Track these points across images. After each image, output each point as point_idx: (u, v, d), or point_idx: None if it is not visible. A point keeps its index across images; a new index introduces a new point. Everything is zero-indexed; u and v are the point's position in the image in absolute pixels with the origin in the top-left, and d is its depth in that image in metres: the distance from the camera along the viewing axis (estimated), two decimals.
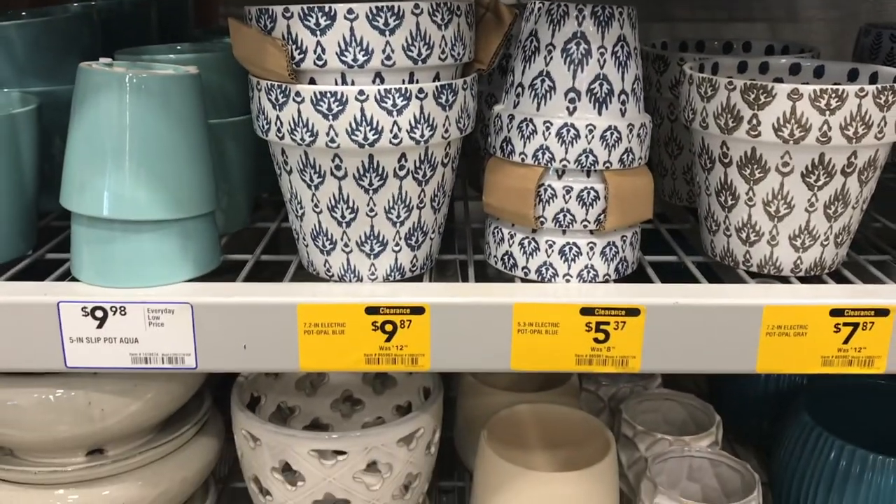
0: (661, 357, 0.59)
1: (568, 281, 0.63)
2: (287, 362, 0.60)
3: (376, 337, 0.59)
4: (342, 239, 0.62)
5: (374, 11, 0.55)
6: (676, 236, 0.76)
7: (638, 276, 0.66)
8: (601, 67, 0.60)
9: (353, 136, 0.57)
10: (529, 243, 0.64)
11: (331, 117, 0.57)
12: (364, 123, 0.57)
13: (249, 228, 0.77)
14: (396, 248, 0.63)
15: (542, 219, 0.62)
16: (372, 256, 0.63)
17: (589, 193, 0.61)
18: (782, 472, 0.79)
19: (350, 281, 0.63)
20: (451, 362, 0.60)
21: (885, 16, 1.16)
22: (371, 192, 0.60)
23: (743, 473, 0.77)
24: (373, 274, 0.63)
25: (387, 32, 0.56)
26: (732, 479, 0.78)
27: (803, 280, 0.64)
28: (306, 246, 0.65)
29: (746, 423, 0.94)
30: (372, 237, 0.62)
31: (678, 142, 0.81)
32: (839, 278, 0.65)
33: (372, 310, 0.58)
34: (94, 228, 0.60)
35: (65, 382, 0.65)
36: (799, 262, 0.64)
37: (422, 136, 0.58)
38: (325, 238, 0.63)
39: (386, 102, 0.57)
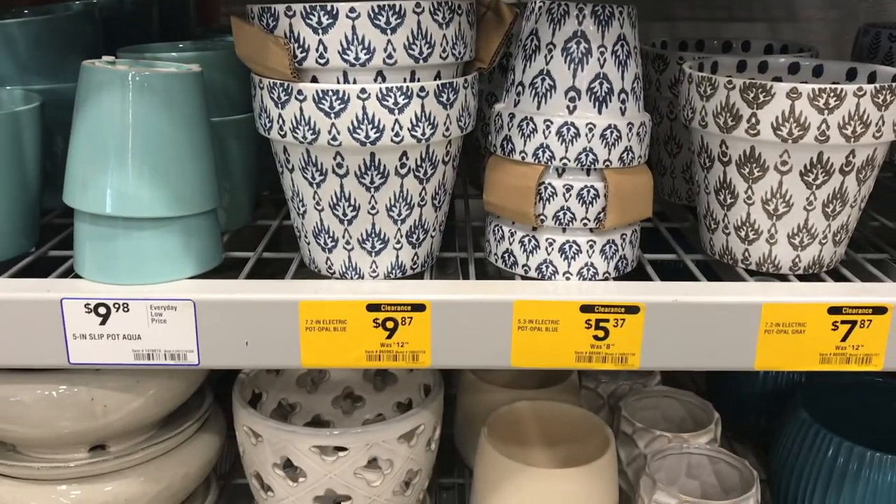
0: (661, 354, 0.60)
1: (568, 279, 0.64)
2: (289, 359, 0.60)
3: (377, 334, 0.59)
4: (343, 236, 0.62)
5: (376, 10, 0.56)
6: (676, 235, 0.77)
7: (637, 274, 0.66)
8: (601, 66, 0.61)
9: (354, 135, 0.57)
10: (530, 241, 0.64)
11: (332, 115, 0.57)
12: (366, 122, 0.57)
13: (251, 226, 0.78)
14: (397, 246, 0.63)
15: (542, 217, 0.63)
16: (373, 254, 0.63)
17: (589, 192, 0.62)
18: (780, 469, 0.79)
19: (351, 278, 0.64)
20: (452, 359, 0.60)
21: (884, 15, 1.17)
22: (372, 189, 0.60)
23: (741, 470, 0.77)
24: (374, 271, 0.64)
25: (388, 31, 0.56)
26: (731, 475, 0.78)
27: (802, 278, 0.65)
28: (308, 243, 0.65)
29: (745, 420, 0.94)
30: (373, 235, 0.62)
31: (678, 140, 0.81)
32: (837, 276, 0.65)
33: (373, 307, 0.59)
34: (97, 225, 0.60)
35: (68, 379, 0.65)
36: (797, 260, 0.65)
37: (423, 134, 0.59)
38: (326, 235, 0.63)
39: (387, 101, 0.57)
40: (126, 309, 0.59)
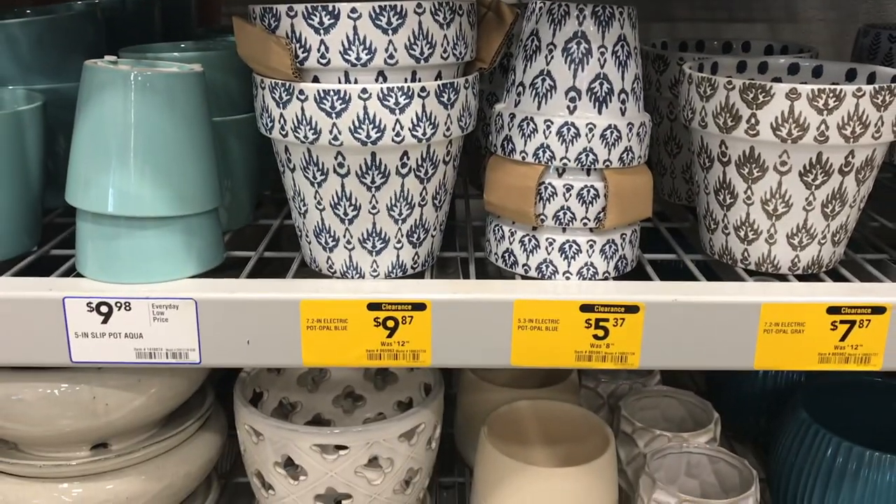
0: (660, 354, 0.60)
1: (568, 278, 0.64)
2: (290, 358, 0.60)
3: (378, 333, 0.59)
4: (344, 236, 0.63)
5: (378, 10, 0.56)
6: (676, 235, 0.77)
7: (637, 273, 0.66)
8: (601, 67, 0.61)
9: (355, 134, 0.58)
10: (530, 241, 0.64)
11: (334, 115, 0.57)
12: (367, 121, 0.57)
13: (252, 225, 0.78)
14: (398, 245, 0.63)
15: (542, 216, 0.63)
16: (374, 253, 0.63)
17: (589, 192, 0.62)
18: (780, 469, 0.80)
19: (352, 277, 0.64)
20: (452, 358, 0.60)
21: (885, 16, 1.17)
22: (373, 189, 0.61)
23: (741, 469, 0.77)
24: (375, 270, 0.64)
25: (389, 31, 0.56)
26: (730, 475, 0.79)
27: (801, 278, 0.65)
28: (309, 243, 0.65)
29: (744, 419, 0.94)
30: (374, 234, 0.62)
31: (678, 141, 0.82)
32: (837, 276, 0.66)
33: (374, 306, 0.59)
34: (99, 225, 0.60)
35: (70, 377, 0.66)
36: (796, 260, 0.65)
37: (424, 134, 0.59)
38: (327, 235, 0.63)
39: (388, 101, 0.57)
40: (128, 308, 0.59)
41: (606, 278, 0.65)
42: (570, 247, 0.63)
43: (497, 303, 0.59)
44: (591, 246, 0.63)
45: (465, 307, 0.59)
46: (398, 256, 0.64)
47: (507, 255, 0.66)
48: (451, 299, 0.59)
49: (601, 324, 0.59)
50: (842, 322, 0.59)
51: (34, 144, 0.66)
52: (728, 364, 0.60)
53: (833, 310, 0.59)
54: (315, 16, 0.56)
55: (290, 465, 0.71)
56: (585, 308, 0.59)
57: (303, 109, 0.58)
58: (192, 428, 0.75)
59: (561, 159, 0.61)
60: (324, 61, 0.57)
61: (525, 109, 0.63)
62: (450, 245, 0.74)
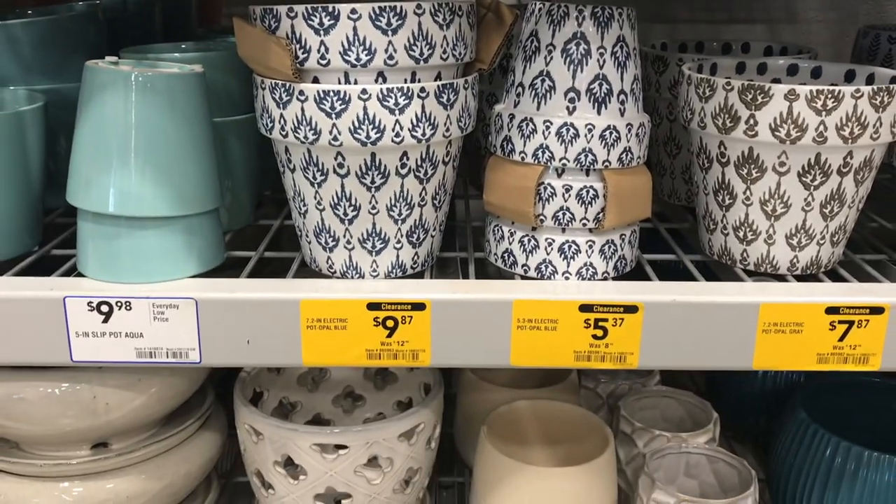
0: (659, 353, 0.60)
1: (567, 278, 0.64)
2: (290, 357, 0.60)
3: (378, 332, 0.60)
4: (344, 236, 0.63)
5: (377, 11, 0.56)
6: (675, 235, 0.77)
7: (636, 274, 0.67)
8: (600, 67, 0.61)
9: (355, 135, 0.58)
10: (529, 241, 0.64)
11: (334, 116, 0.58)
12: (366, 122, 0.58)
13: (253, 226, 0.78)
14: (398, 246, 0.64)
15: (541, 217, 0.63)
16: (374, 253, 0.63)
17: (588, 192, 0.62)
18: (779, 469, 0.80)
19: (352, 277, 0.64)
20: (452, 358, 0.60)
21: (885, 17, 1.17)
22: (373, 189, 0.61)
23: (740, 470, 0.78)
24: (374, 270, 0.64)
25: (389, 32, 0.57)
26: (729, 475, 0.79)
27: (800, 278, 0.65)
28: (309, 243, 0.65)
29: (744, 420, 0.94)
30: (374, 234, 0.63)
31: (677, 142, 0.82)
32: (835, 277, 0.66)
33: (373, 306, 0.59)
34: (100, 225, 0.61)
35: (70, 376, 0.66)
36: (795, 260, 0.65)
37: (423, 134, 0.59)
38: (327, 235, 0.63)
39: (388, 101, 0.57)
40: (128, 307, 0.59)
41: (606, 278, 0.65)
42: (570, 247, 0.63)
43: (496, 303, 0.59)
44: (591, 246, 0.64)
45: (465, 307, 0.59)
46: (398, 256, 0.64)
47: (506, 255, 0.66)
48: (450, 299, 0.59)
49: (600, 324, 0.59)
50: (840, 322, 0.59)
51: (35, 145, 0.66)
52: (726, 364, 0.60)
53: (831, 310, 0.59)
54: (315, 17, 0.56)
55: (289, 465, 0.71)
56: (584, 308, 0.59)
57: (303, 110, 0.58)
58: (193, 427, 0.75)
59: (560, 160, 0.62)
60: (324, 62, 0.57)
61: (524, 110, 0.63)
62: (450, 245, 0.74)
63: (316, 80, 0.59)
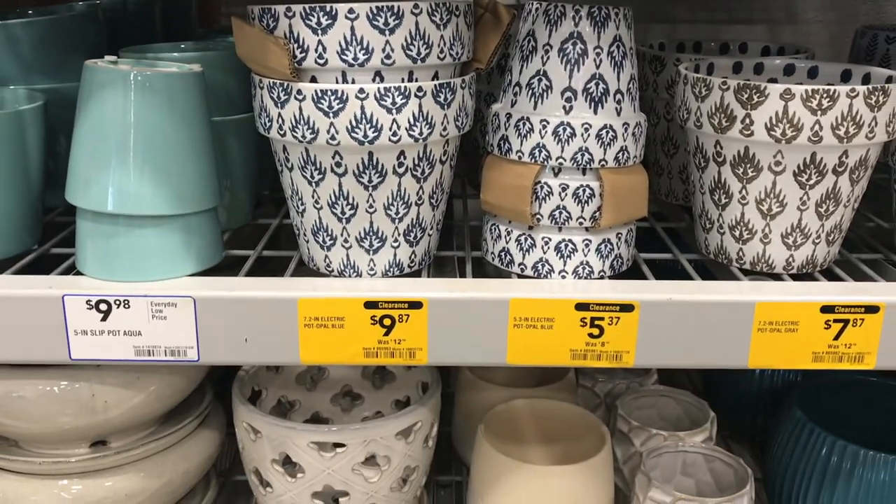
0: (655, 352, 0.60)
1: (563, 277, 0.64)
2: (287, 355, 0.61)
3: (375, 331, 0.60)
4: (342, 235, 0.63)
5: (375, 11, 0.56)
6: (672, 234, 0.77)
7: (633, 273, 0.67)
8: (597, 67, 0.61)
9: (353, 134, 0.58)
10: (526, 240, 0.65)
11: (331, 115, 0.58)
12: (364, 121, 0.58)
13: (251, 224, 0.78)
14: (395, 244, 0.64)
15: (538, 216, 0.63)
16: (371, 252, 0.64)
17: (584, 191, 0.62)
18: (775, 468, 0.80)
19: (349, 276, 0.65)
20: (449, 356, 0.61)
21: (884, 17, 1.17)
22: (370, 188, 0.61)
23: (736, 468, 0.78)
24: (372, 269, 0.64)
25: (387, 32, 0.57)
26: (726, 473, 0.79)
27: (795, 277, 0.65)
28: (307, 242, 0.66)
29: (740, 419, 0.95)
30: (371, 233, 0.63)
31: (674, 141, 0.82)
32: (831, 276, 0.66)
33: (371, 304, 0.59)
34: (99, 223, 0.61)
35: (69, 374, 0.66)
36: (791, 259, 0.65)
37: (420, 133, 0.59)
38: (325, 234, 0.64)
39: (385, 101, 0.58)
40: (127, 305, 0.59)
41: (602, 277, 0.65)
42: (566, 246, 0.64)
43: (493, 301, 0.59)
44: (587, 245, 0.64)
45: (462, 305, 0.59)
46: (395, 255, 0.64)
47: (503, 254, 0.66)
48: (447, 298, 0.59)
49: (596, 322, 0.60)
50: (835, 321, 0.59)
51: (35, 144, 0.67)
52: (722, 363, 0.60)
53: (827, 309, 0.59)
54: (313, 16, 0.57)
55: (287, 463, 0.71)
56: (581, 307, 0.59)
57: (300, 109, 0.58)
58: (191, 426, 0.75)
59: (557, 159, 0.62)
60: (321, 61, 0.58)
61: (521, 109, 0.63)
62: (447, 244, 0.75)
63: (314, 80, 0.59)
